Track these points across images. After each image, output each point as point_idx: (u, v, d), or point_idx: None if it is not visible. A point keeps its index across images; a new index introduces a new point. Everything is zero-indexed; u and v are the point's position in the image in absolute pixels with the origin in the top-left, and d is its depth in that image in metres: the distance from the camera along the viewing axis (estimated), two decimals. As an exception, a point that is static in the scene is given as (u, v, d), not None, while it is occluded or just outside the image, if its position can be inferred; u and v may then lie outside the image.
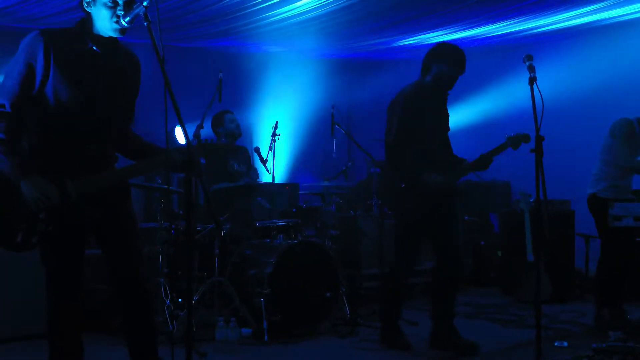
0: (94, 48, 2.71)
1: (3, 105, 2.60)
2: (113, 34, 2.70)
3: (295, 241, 4.96)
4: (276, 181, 6.15)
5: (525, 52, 3.55)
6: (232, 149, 5.83)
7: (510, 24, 6.48)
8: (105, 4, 2.64)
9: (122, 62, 2.83)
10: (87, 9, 2.70)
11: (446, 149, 4.37)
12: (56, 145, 2.68)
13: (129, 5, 2.65)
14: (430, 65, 4.20)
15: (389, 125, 4.21)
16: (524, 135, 4.10)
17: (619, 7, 6.08)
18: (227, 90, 5.13)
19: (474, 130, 7.59)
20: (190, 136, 4.06)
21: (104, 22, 2.67)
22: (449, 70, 4.17)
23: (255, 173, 5.95)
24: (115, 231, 2.84)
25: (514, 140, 4.14)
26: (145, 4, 2.53)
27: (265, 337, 4.51)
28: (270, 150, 5.98)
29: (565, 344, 4.36)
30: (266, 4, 5.77)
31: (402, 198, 4.23)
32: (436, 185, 4.11)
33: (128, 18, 2.62)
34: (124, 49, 2.86)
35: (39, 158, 2.66)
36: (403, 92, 4.24)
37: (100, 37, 2.72)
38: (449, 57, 4.18)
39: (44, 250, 2.71)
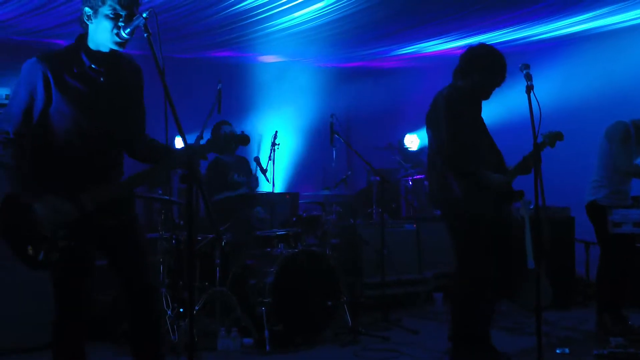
0: (93, 66, 2.72)
1: (7, 132, 2.64)
2: (113, 47, 2.71)
3: (296, 250, 4.97)
4: (276, 190, 6.17)
5: (522, 61, 3.56)
6: (233, 160, 5.88)
7: (507, 32, 6.51)
8: (107, 16, 2.65)
9: (124, 74, 2.84)
10: (87, 22, 2.70)
11: (494, 151, 4.12)
12: (65, 163, 2.69)
13: (129, 18, 2.66)
14: (471, 71, 3.94)
15: (436, 131, 3.94)
16: (557, 133, 4.06)
17: (615, 14, 6.12)
18: (226, 101, 5.15)
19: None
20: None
21: (105, 35, 2.68)
22: (493, 79, 3.96)
23: (255, 181, 5.97)
24: (131, 240, 2.85)
25: (550, 138, 4.03)
26: (144, 15, 2.54)
27: (267, 347, 4.52)
28: (270, 159, 6.00)
29: (567, 350, 4.37)
30: (265, 15, 5.80)
31: (461, 203, 3.88)
32: (497, 185, 3.88)
33: (128, 30, 2.63)
34: (125, 59, 2.86)
35: (49, 178, 2.67)
36: (445, 97, 3.92)
37: (100, 52, 2.73)
38: (494, 65, 3.93)
39: (56, 264, 2.70)
